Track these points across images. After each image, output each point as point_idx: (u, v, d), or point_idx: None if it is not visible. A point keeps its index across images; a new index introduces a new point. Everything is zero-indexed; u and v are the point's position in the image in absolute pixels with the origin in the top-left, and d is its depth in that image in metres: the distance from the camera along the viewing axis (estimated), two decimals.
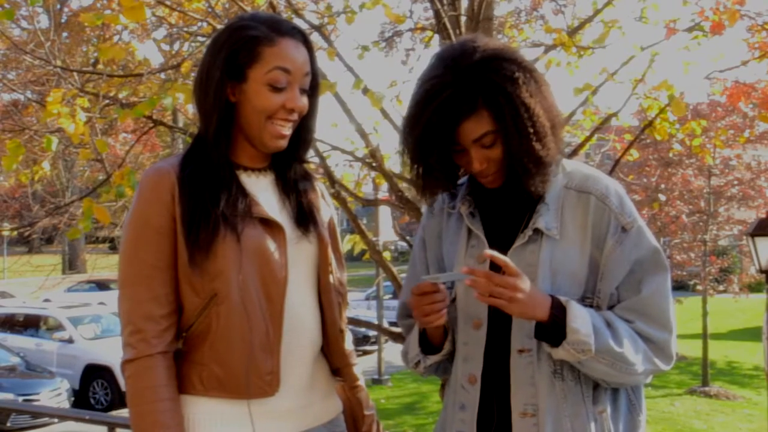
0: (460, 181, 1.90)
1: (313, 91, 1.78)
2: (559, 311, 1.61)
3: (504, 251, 1.70)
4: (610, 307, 1.69)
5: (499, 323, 1.71)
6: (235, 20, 1.78)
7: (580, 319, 1.60)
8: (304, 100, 1.74)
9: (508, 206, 1.78)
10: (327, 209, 1.91)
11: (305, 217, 1.80)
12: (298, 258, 1.76)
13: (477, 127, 1.65)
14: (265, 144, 1.73)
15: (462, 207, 1.83)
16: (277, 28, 1.70)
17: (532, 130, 1.64)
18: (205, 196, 1.66)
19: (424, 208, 2.21)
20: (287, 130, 1.73)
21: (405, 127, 1.75)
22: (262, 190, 1.78)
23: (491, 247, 1.74)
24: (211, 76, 1.69)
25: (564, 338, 1.60)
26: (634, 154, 5.75)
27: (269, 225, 1.71)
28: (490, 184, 1.76)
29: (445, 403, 1.85)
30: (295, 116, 1.73)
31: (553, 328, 1.61)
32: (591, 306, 1.69)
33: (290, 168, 1.83)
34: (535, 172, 1.68)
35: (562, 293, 1.66)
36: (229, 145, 1.74)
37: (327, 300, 1.82)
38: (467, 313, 1.77)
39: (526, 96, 1.64)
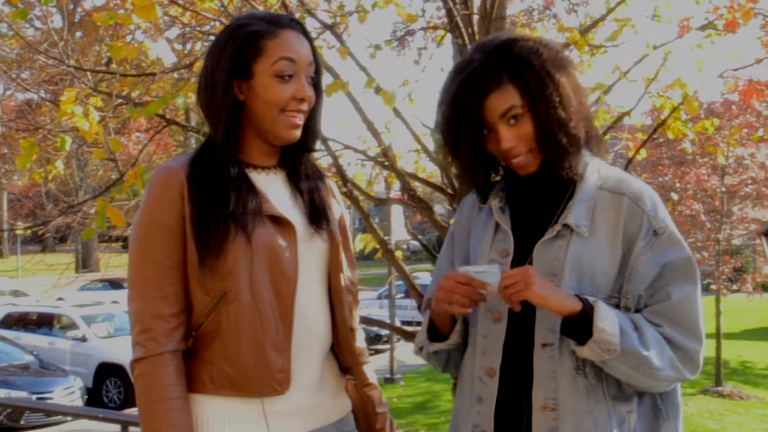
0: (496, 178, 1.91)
1: (317, 82, 1.79)
2: (587, 309, 1.61)
3: (531, 246, 1.72)
4: (638, 310, 1.68)
5: (519, 317, 1.70)
6: (232, 21, 1.79)
7: (608, 320, 1.59)
8: (312, 90, 1.75)
9: (539, 202, 1.78)
10: (338, 207, 1.91)
11: (317, 215, 1.79)
12: (309, 256, 1.76)
13: (502, 101, 1.67)
14: (280, 136, 1.73)
15: (493, 201, 1.84)
16: (276, 22, 1.71)
17: (558, 99, 1.66)
18: (215, 198, 1.66)
19: (453, 206, 2.23)
20: (300, 120, 1.74)
21: (437, 109, 1.78)
22: (274, 188, 1.78)
23: (517, 241, 1.76)
24: (216, 77, 1.69)
25: (590, 337, 1.59)
26: (644, 153, 5.72)
27: (280, 223, 1.71)
28: (524, 169, 1.75)
29: (459, 396, 1.84)
30: (305, 106, 1.73)
31: (580, 325, 1.61)
32: (617, 306, 1.68)
33: (300, 161, 1.83)
34: (566, 146, 1.69)
35: (588, 291, 1.65)
36: (239, 144, 1.74)
37: (337, 299, 1.82)
38: (487, 306, 1.76)
39: (551, 67, 1.68)
